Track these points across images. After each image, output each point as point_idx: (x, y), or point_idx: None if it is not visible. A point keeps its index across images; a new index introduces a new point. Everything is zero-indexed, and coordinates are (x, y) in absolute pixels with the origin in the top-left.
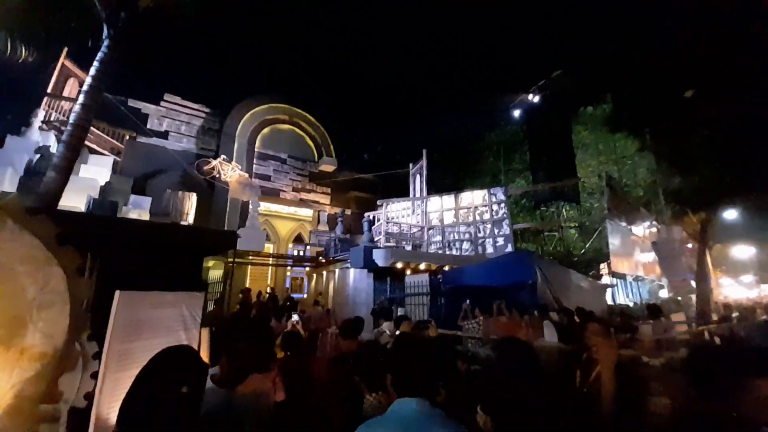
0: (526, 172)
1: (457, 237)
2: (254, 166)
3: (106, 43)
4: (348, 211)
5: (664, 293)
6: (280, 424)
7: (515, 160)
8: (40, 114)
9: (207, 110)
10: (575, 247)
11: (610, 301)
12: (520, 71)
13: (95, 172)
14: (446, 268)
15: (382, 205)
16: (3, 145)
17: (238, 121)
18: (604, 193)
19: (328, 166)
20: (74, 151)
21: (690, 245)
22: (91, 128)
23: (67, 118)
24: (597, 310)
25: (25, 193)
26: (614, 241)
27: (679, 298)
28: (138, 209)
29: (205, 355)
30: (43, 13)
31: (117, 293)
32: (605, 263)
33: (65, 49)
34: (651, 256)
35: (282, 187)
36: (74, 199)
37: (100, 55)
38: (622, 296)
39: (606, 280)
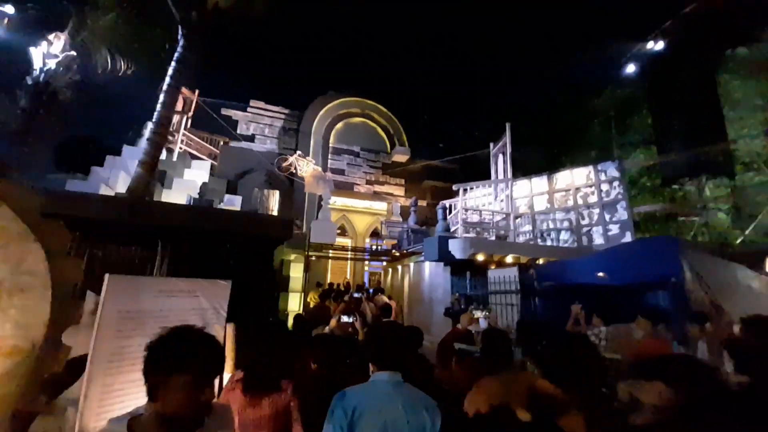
0: (645, 146)
1: (552, 226)
2: (329, 161)
3: (181, 43)
4: (424, 203)
5: None
6: None
7: (629, 129)
8: (150, 126)
9: (286, 111)
10: (727, 236)
11: None
12: (632, 12)
13: (196, 175)
14: (540, 261)
15: (458, 191)
16: (121, 154)
17: (313, 118)
18: None
19: (401, 156)
20: (157, 147)
21: None
22: (192, 136)
23: (175, 129)
24: None
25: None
26: None
27: None
28: (231, 207)
29: (229, 358)
30: (135, 30)
31: (106, 277)
32: None
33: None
34: None
35: (356, 180)
36: (178, 200)
37: (176, 55)
38: None
39: None
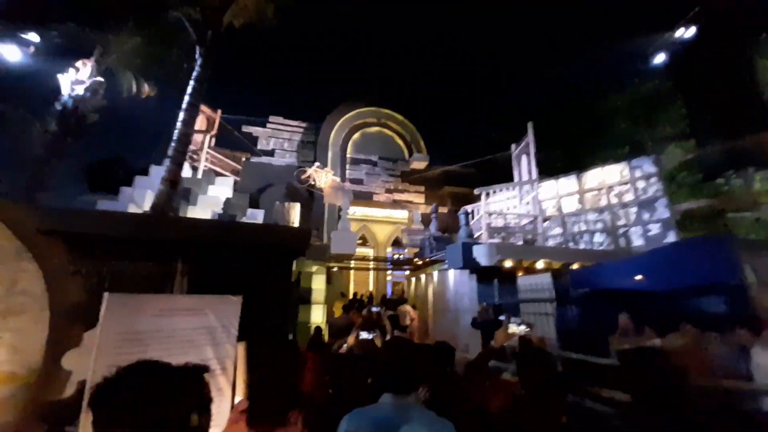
0: (683, 140)
1: (584, 228)
2: (347, 171)
3: (198, 62)
4: (444, 209)
5: None
6: None
7: (661, 123)
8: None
9: (304, 125)
10: None
11: None
12: (656, 3)
13: (220, 191)
14: (575, 266)
15: (480, 195)
16: (149, 174)
17: (330, 130)
18: None
19: (419, 163)
20: (178, 164)
21: None
22: (215, 154)
23: (198, 147)
24: None
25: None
26: None
27: None
28: (253, 221)
29: (240, 380)
30: (156, 53)
31: (105, 296)
32: None
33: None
34: None
35: (374, 189)
36: (202, 216)
37: (194, 74)
38: None
39: None
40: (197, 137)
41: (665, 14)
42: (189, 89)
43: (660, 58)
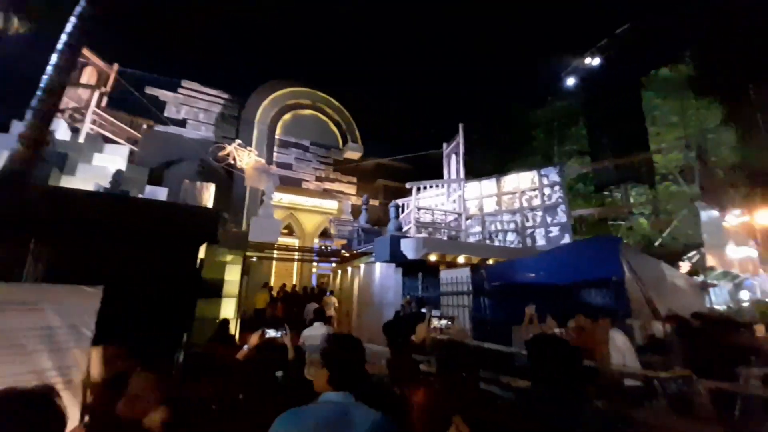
0: (582, 156)
1: (500, 227)
2: (275, 154)
3: None
4: (376, 202)
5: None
6: None
7: (568, 139)
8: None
9: (226, 96)
10: (649, 238)
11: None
12: (574, 30)
13: (109, 161)
14: (490, 261)
15: (411, 190)
16: (8, 131)
17: (258, 106)
18: (682, 171)
19: (353, 153)
20: (44, 119)
21: None
22: (107, 116)
23: (83, 105)
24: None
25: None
26: (708, 231)
27: None
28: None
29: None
30: None
31: None
32: (689, 257)
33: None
34: (746, 251)
35: (304, 176)
36: (82, 188)
37: (77, 9)
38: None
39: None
40: (83, 93)
41: (581, 40)
42: (68, 27)
43: (571, 81)
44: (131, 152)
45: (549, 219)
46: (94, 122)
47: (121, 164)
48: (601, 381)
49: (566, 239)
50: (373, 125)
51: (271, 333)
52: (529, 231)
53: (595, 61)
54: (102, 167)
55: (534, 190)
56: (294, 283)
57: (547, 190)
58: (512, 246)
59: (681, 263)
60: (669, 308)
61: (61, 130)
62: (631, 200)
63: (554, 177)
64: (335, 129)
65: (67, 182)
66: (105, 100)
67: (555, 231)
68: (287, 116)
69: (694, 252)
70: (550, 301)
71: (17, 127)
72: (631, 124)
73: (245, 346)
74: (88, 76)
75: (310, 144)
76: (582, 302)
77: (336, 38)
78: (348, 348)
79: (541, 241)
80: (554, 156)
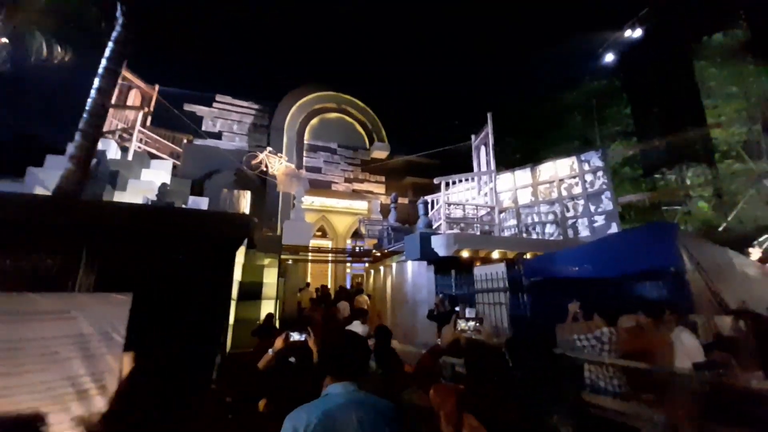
0: (626, 137)
1: (537, 219)
2: (304, 159)
3: (120, 20)
4: (405, 200)
5: None
6: None
7: (609, 120)
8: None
9: (256, 107)
10: (711, 223)
11: None
12: (607, 2)
13: (155, 176)
14: (527, 255)
15: (439, 185)
16: (66, 153)
17: (286, 114)
18: (746, 146)
19: (380, 152)
20: (91, 139)
21: None
22: (151, 134)
23: (129, 125)
24: None
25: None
26: None
27: None
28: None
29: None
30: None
31: None
32: (759, 242)
33: (125, 61)
34: None
35: (333, 178)
36: (133, 202)
37: (114, 35)
38: None
39: None
40: (129, 114)
41: (616, 14)
42: (107, 52)
43: (609, 58)
44: (174, 166)
45: (593, 208)
46: (140, 140)
47: (166, 178)
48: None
49: (613, 228)
50: (399, 123)
51: (295, 336)
52: (570, 222)
53: (636, 33)
54: (149, 182)
55: (574, 177)
56: (329, 284)
57: (588, 177)
58: (552, 238)
59: (751, 249)
60: (741, 301)
61: (111, 150)
62: (688, 182)
63: (596, 162)
64: (361, 130)
65: (119, 197)
66: (149, 119)
67: (600, 220)
68: (314, 121)
69: (766, 236)
70: (596, 297)
71: (52, 161)
72: (682, 99)
73: (270, 350)
74: (133, 98)
75: (337, 146)
76: (634, 297)
77: (355, 38)
78: (347, 341)
79: (584, 232)
80: (595, 140)
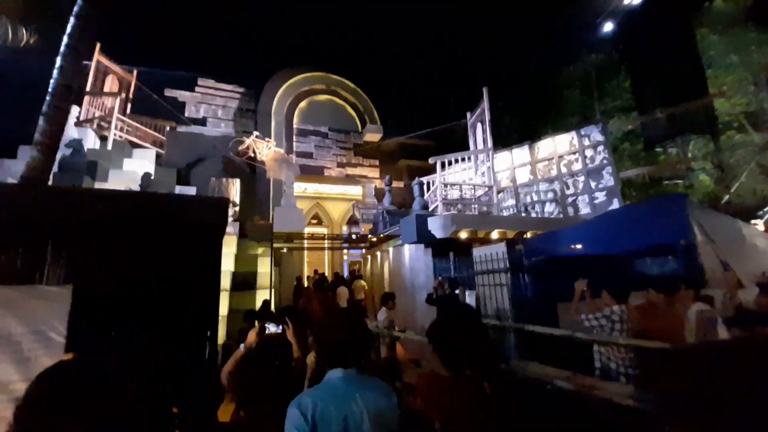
0: (626, 112)
1: (536, 198)
2: (294, 143)
3: None
4: (400, 184)
5: None
6: None
7: (608, 95)
8: (73, 110)
9: (241, 90)
10: (713, 196)
11: None
12: None
13: (138, 166)
14: (528, 235)
15: (434, 166)
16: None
17: (273, 97)
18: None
19: (373, 135)
20: (55, 124)
21: None
22: (132, 122)
23: (107, 113)
24: None
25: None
26: None
27: None
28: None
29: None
30: None
31: None
32: (760, 215)
33: (98, 45)
34: None
35: (325, 163)
36: None
37: (75, 9)
38: None
39: None
40: (106, 101)
41: None
42: (68, 28)
43: (608, 28)
44: (158, 155)
45: (593, 184)
46: (120, 129)
47: (150, 167)
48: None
49: (614, 205)
50: (392, 103)
51: (271, 328)
52: (570, 199)
53: (636, 0)
54: (132, 172)
55: (574, 153)
56: (326, 272)
57: (589, 152)
58: (552, 217)
59: (755, 221)
60: (762, 273)
61: (89, 139)
62: (689, 155)
63: (597, 136)
64: (353, 112)
65: (100, 188)
66: (129, 106)
67: (601, 197)
68: (303, 104)
69: None
70: (602, 275)
71: (24, 151)
72: (684, 69)
73: (241, 346)
74: (110, 84)
75: (328, 130)
76: (642, 274)
77: (342, 17)
78: (348, 325)
79: (585, 209)
80: (594, 116)
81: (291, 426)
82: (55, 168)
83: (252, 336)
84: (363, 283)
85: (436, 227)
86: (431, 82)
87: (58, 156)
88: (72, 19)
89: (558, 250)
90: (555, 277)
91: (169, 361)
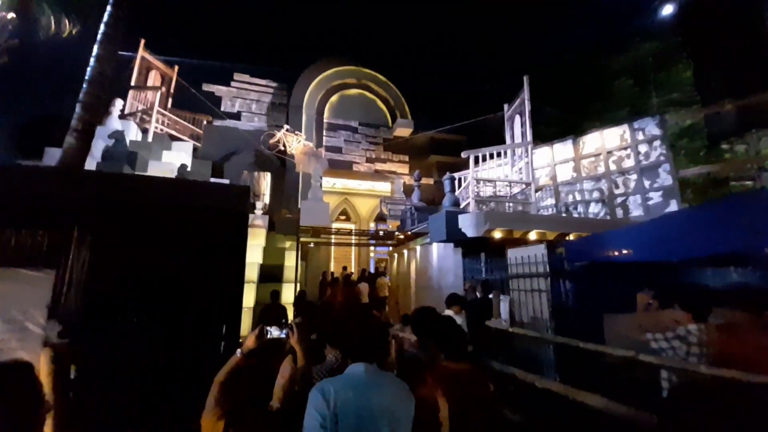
0: (685, 105)
1: (579, 198)
2: (324, 138)
3: None
4: (430, 180)
5: None
6: None
7: (663, 87)
8: (118, 103)
9: (275, 84)
10: None
11: None
12: None
13: (176, 158)
14: (570, 237)
15: (467, 162)
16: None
17: (305, 91)
18: None
19: (403, 130)
20: (91, 111)
21: None
22: (172, 116)
23: (149, 106)
24: None
25: None
26: None
27: None
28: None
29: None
30: None
31: None
32: None
33: (142, 41)
34: None
35: (354, 158)
36: None
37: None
38: None
39: None
40: (149, 95)
41: None
42: (105, 17)
43: (666, 11)
44: (195, 148)
45: (647, 183)
46: (161, 122)
47: (187, 159)
48: None
49: (672, 206)
50: (423, 96)
51: (273, 333)
52: (619, 200)
53: None
54: (169, 163)
55: (625, 148)
56: (352, 269)
57: (643, 148)
58: (597, 218)
59: None
60: None
61: (132, 132)
62: (763, 151)
63: (653, 130)
64: (383, 106)
65: None
66: (170, 101)
67: (656, 197)
68: (334, 98)
69: None
70: (660, 285)
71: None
72: (754, 57)
73: (238, 351)
74: (152, 79)
75: (358, 125)
76: (712, 286)
77: (374, 7)
78: (369, 327)
79: (636, 211)
80: (647, 109)
81: (312, 408)
82: (98, 157)
83: (251, 340)
84: (386, 280)
85: (467, 225)
86: (465, 74)
87: (102, 146)
88: (108, 8)
89: (606, 254)
90: (601, 284)
91: (181, 355)
